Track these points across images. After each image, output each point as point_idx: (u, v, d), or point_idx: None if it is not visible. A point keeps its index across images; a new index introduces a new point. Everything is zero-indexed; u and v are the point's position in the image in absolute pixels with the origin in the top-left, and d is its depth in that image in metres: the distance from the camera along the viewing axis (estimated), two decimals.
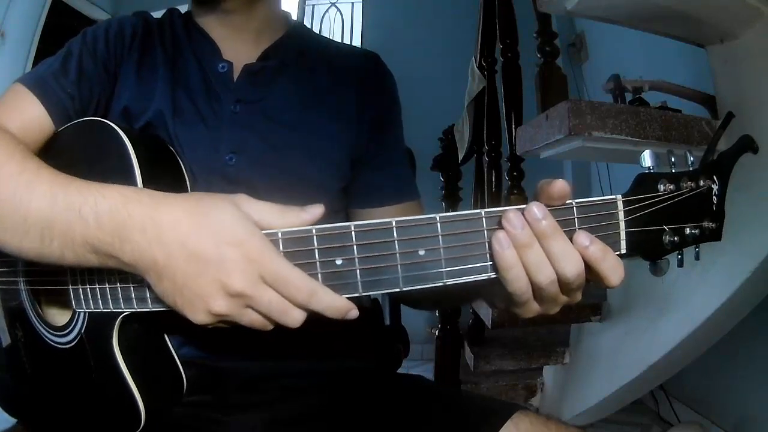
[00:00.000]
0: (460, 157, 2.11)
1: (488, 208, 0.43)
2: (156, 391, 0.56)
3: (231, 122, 0.66)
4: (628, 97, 1.43)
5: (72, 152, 0.61)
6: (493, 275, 0.43)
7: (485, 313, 1.54)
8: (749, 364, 1.64)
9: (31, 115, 0.62)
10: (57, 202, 0.47)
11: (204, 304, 0.43)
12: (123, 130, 0.55)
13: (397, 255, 0.43)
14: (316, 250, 0.43)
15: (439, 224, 0.43)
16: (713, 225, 0.45)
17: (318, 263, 0.43)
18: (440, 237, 0.42)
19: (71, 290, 0.56)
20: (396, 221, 0.43)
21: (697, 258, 0.46)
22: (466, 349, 1.78)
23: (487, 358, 1.68)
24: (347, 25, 3.55)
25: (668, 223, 0.44)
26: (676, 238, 0.44)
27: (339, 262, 0.43)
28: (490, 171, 1.84)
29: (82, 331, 0.57)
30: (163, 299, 0.45)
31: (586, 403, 1.59)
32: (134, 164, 0.53)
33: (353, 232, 0.43)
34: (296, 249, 0.43)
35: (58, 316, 0.61)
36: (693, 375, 1.72)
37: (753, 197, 1.06)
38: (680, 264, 0.46)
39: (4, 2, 2.59)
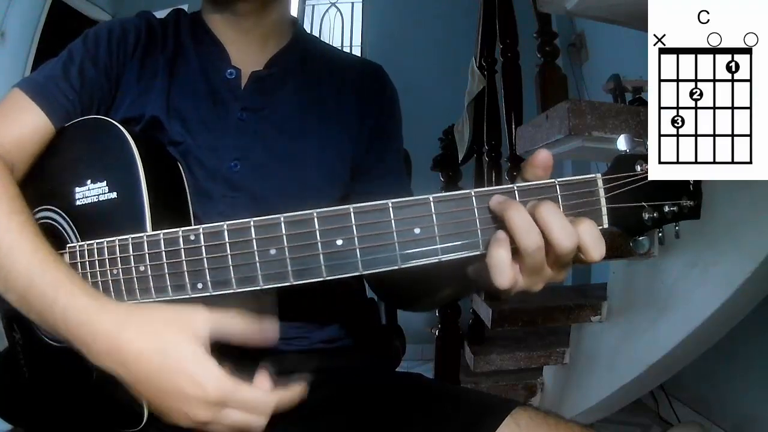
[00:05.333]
0: (460, 157, 2.11)
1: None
2: None
3: (237, 129, 0.66)
4: (628, 97, 1.43)
5: (74, 150, 0.61)
6: (485, 251, 0.45)
7: (485, 313, 1.54)
8: (749, 364, 1.64)
9: (32, 123, 0.61)
10: (33, 286, 0.49)
11: (174, 419, 0.47)
12: (126, 129, 0.56)
13: (395, 234, 0.45)
14: (317, 232, 0.46)
15: (432, 204, 0.45)
16: (691, 203, 0.46)
17: (319, 244, 0.46)
18: (434, 216, 0.45)
19: None
20: (392, 202, 0.45)
21: (677, 236, 0.48)
22: (466, 349, 1.78)
23: (487, 358, 1.67)
24: (347, 25, 3.55)
25: (647, 201, 0.46)
26: (655, 215, 0.46)
27: (339, 242, 0.45)
28: (490, 171, 1.84)
29: None
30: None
31: (586, 403, 1.59)
32: (138, 162, 0.54)
33: (352, 214, 0.45)
34: (298, 231, 0.46)
35: None
36: (693, 375, 1.72)
37: (753, 198, 1.06)
38: (661, 241, 0.48)
39: (4, 2, 2.59)
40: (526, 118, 1.63)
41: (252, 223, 0.47)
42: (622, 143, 0.47)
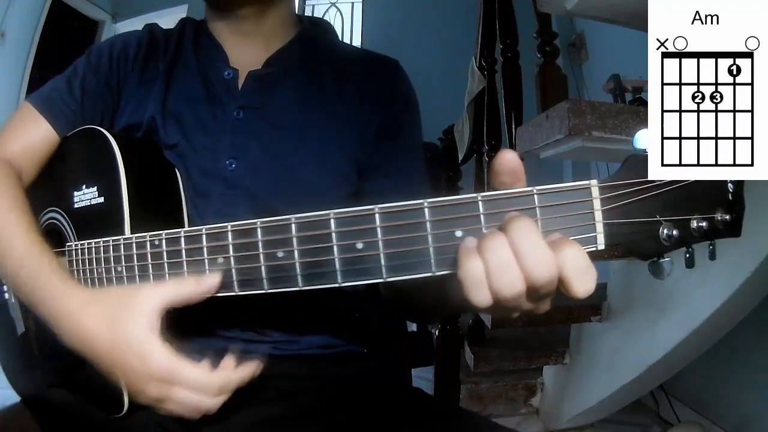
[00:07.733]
0: (460, 157, 2.11)
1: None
2: None
3: (233, 128, 0.66)
4: (628, 97, 1.43)
5: (74, 157, 0.66)
6: (437, 273, 0.39)
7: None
8: (749, 364, 1.64)
9: (38, 134, 0.66)
10: (23, 270, 0.56)
11: (136, 395, 0.51)
12: (113, 136, 0.59)
13: (335, 248, 0.41)
14: (260, 242, 0.44)
15: (377, 215, 0.40)
16: (728, 217, 0.36)
17: (261, 255, 0.44)
18: (378, 229, 0.40)
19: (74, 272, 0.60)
20: (334, 213, 0.41)
21: (712, 257, 0.37)
22: (466, 349, 1.78)
23: (487, 358, 1.68)
24: (347, 25, 3.55)
25: (665, 214, 0.36)
26: (675, 232, 0.36)
27: (280, 254, 0.43)
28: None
29: None
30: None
31: (586, 403, 1.59)
32: (120, 169, 0.57)
33: (293, 224, 0.43)
34: (242, 241, 0.45)
35: None
36: (693, 375, 1.72)
37: (753, 197, 1.06)
38: (689, 264, 0.37)
39: (4, 2, 2.60)
40: (526, 118, 1.63)
41: (204, 230, 0.47)
42: (641, 140, 0.37)
